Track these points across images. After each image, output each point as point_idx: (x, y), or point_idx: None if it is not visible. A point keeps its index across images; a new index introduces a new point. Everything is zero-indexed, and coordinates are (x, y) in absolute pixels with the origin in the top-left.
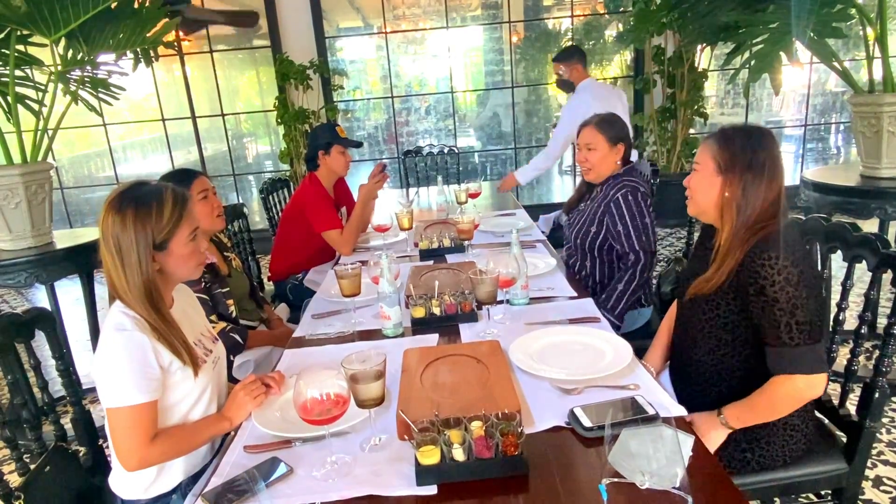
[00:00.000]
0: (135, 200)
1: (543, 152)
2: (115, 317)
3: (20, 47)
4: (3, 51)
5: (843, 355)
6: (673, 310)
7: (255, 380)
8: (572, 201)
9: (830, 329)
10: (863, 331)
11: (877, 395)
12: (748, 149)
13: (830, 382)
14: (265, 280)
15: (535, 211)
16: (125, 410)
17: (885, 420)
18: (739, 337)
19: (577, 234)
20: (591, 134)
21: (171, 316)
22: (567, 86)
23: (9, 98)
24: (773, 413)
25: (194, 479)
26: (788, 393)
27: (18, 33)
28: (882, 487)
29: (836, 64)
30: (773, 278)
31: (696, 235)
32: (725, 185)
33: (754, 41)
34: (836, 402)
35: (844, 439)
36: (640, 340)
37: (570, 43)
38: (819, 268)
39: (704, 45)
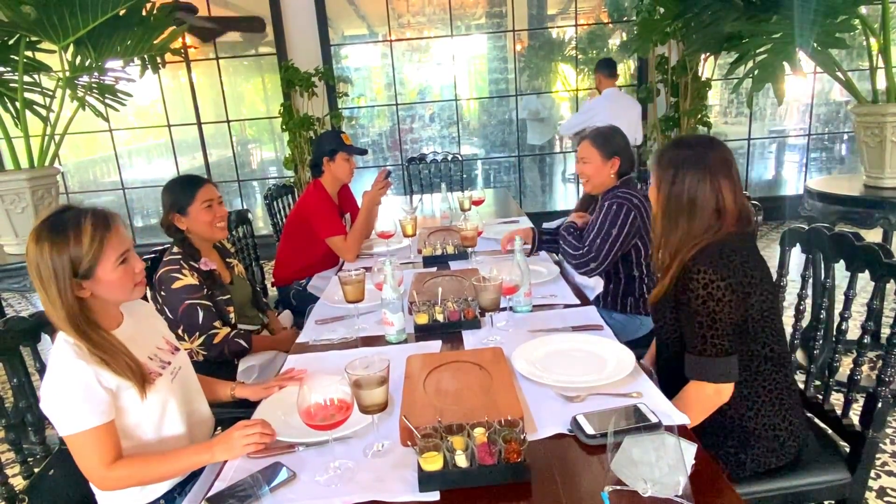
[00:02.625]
0: (52, 230)
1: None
2: (58, 345)
3: (29, 53)
4: (12, 57)
5: (846, 365)
6: None
7: (257, 424)
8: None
9: (833, 339)
10: (865, 340)
11: (879, 405)
12: (671, 163)
13: (834, 392)
14: (269, 286)
15: (538, 218)
16: (79, 436)
17: (889, 431)
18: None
19: None
20: (585, 147)
21: (106, 338)
22: (598, 91)
23: (17, 103)
24: (690, 415)
25: (182, 485)
26: (698, 398)
27: (28, 40)
28: (886, 498)
29: (839, 74)
30: (697, 291)
31: None
32: (660, 199)
33: (758, 51)
34: (839, 411)
35: (847, 449)
36: (642, 349)
37: (573, 52)
38: (823, 277)
39: (708, 54)
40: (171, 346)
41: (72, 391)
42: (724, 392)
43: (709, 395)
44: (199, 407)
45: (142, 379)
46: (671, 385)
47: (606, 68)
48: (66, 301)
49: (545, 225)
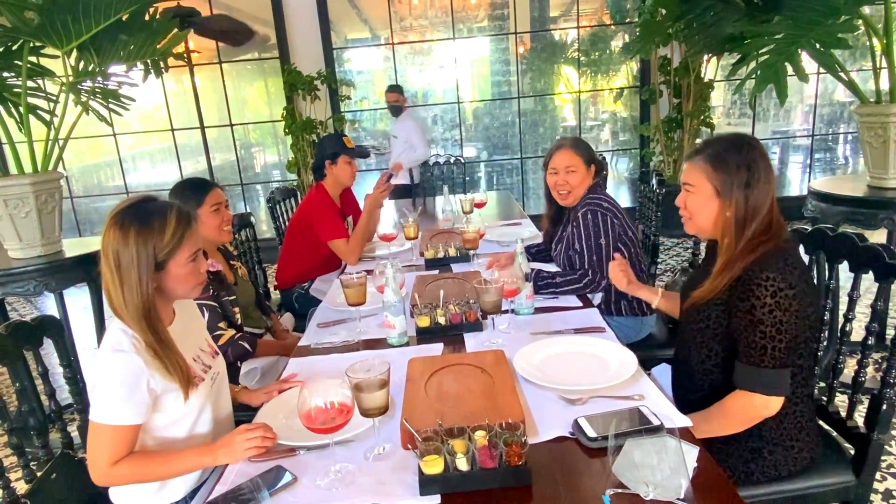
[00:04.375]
0: (139, 217)
1: (414, 155)
2: (115, 335)
3: (33, 58)
4: (16, 62)
5: (850, 367)
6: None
7: (259, 428)
8: (548, 231)
9: (837, 341)
10: (869, 342)
11: (884, 406)
12: (743, 166)
13: (838, 394)
14: (271, 289)
15: (541, 220)
16: (105, 427)
17: (894, 433)
18: (728, 349)
19: (565, 265)
20: (570, 157)
21: (168, 336)
22: (398, 110)
23: (21, 108)
24: (727, 426)
25: (195, 492)
26: (744, 409)
27: (31, 45)
28: (892, 501)
29: (842, 74)
30: (764, 300)
31: (702, 246)
32: (726, 206)
33: (760, 52)
34: (843, 413)
35: (852, 451)
36: (644, 350)
37: (575, 54)
38: (827, 279)
39: (710, 55)
40: (212, 349)
41: (119, 384)
42: (772, 405)
43: (755, 407)
44: (226, 411)
45: (187, 381)
46: (685, 390)
47: (401, 90)
48: (144, 291)
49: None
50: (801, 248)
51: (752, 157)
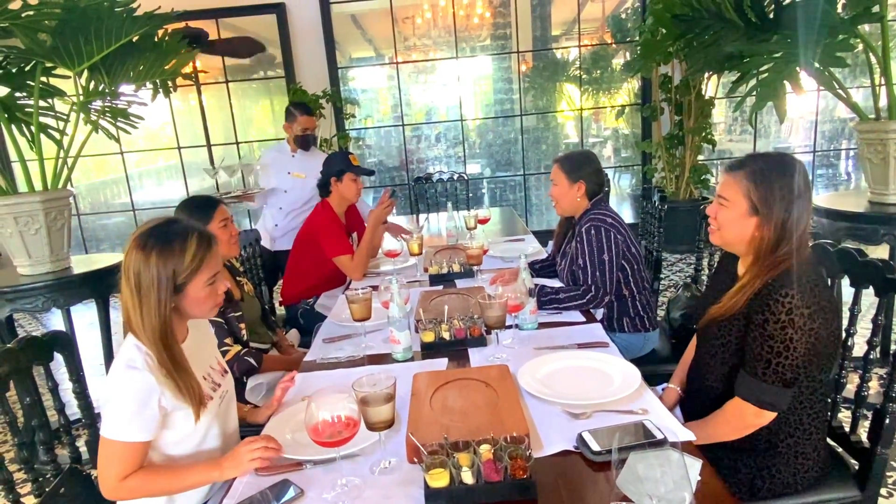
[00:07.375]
0: (161, 239)
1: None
2: (129, 351)
3: (44, 79)
4: (28, 82)
5: (854, 381)
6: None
7: (262, 439)
8: (558, 240)
9: (840, 355)
10: (871, 356)
11: (887, 421)
12: (787, 188)
13: (843, 409)
14: (276, 305)
15: (544, 236)
16: (115, 443)
17: None
18: None
19: (569, 280)
20: (555, 171)
21: (182, 357)
22: (310, 142)
23: (32, 127)
24: (722, 433)
25: None
26: (738, 417)
27: (44, 66)
28: None
29: (840, 91)
30: (779, 315)
31: (704, 262)
32: (760, 226)
33: (759, 70)
34: (847, 428)
35: (857, 466)
36: (648, 366)
37: (577, 72)
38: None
39: (710, 73)
40: (221, 367)
41: (130, 400)
42: (765, 417)
43: (747, 415)
44: (233, 426)
45: (199, 401)
46: (698, 408)
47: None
48: (162, 312)
49: (551, 242)
50: None
51: (797, 180)
